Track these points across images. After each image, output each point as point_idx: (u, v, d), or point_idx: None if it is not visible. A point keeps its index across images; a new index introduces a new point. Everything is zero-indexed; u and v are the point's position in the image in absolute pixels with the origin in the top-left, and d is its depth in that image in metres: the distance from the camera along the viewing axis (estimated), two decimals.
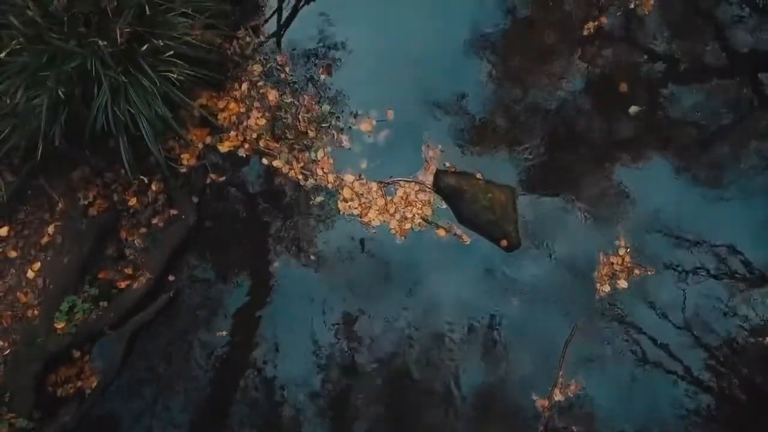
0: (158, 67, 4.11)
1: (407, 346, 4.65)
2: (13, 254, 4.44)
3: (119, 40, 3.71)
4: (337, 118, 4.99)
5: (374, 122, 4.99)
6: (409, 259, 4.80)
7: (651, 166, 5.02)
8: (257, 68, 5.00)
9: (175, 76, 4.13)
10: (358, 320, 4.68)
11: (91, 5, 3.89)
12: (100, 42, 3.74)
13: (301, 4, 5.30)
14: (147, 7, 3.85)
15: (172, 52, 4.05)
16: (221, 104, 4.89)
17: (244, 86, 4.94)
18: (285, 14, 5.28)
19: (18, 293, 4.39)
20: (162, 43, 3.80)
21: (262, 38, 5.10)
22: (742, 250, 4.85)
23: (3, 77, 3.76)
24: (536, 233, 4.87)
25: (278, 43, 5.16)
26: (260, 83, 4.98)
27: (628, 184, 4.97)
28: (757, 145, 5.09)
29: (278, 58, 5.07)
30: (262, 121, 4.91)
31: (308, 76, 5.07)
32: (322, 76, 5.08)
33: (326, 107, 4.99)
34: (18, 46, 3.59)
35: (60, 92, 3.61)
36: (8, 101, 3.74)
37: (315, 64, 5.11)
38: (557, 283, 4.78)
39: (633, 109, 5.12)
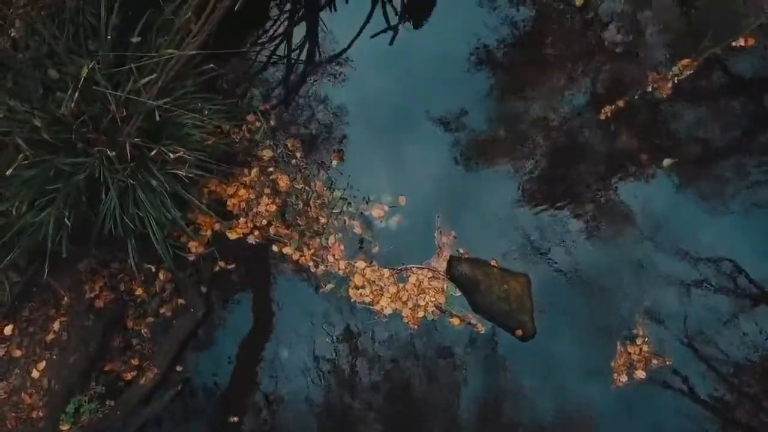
0: (166, 167, 4.01)
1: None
2: (17, 353, 4.33)
3: (128, 154, 3.60)
4: (349, 204, 4.88)
5: (386, 208, 4.88)
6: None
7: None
8: (267, 153, 4.90)
9: (184, 174, 4.04)
10: None
11: (99, 108, 3.80)
12: (109, 152, 3.65)
13: (310, 82, 5.20)
14: (156, 113, 3.74)
15: (181, 153, 3.95)
16: (230, 190, 4.78)
17: (254, 172, 4.83)
18: (295, 99, 5.17)
19: (22, 394, 4.27)
20: (172, 157, 3.68)
21: (272, 123, 5.00)
22: None
23: (9, 189, 3.65)
24: (552, 322, 4.74)
25: (289, 128, 5.05)
26: (270, 169, 4.87)
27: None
28: None
29: (289, 143, 4.96)
30: (273, 208, 4.80)
31: (319, 161, 4.97)
32: (334, 162, 4.98)
33: (337, 193, 4.89)
34: (25, 161, 3.48)
35: (66, 216, 3.50)
36: (14, 213, 3.64)
37: (326, 149, 5.01)
38: (573, 372, 4.65)
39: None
